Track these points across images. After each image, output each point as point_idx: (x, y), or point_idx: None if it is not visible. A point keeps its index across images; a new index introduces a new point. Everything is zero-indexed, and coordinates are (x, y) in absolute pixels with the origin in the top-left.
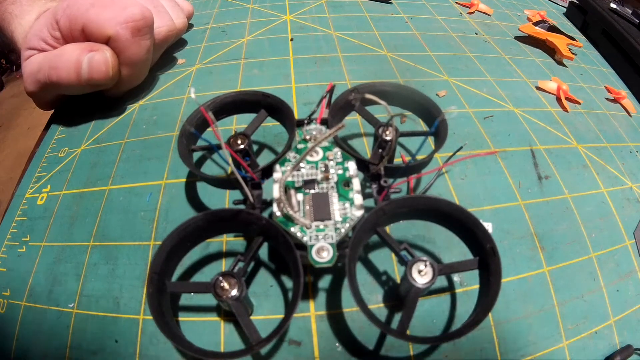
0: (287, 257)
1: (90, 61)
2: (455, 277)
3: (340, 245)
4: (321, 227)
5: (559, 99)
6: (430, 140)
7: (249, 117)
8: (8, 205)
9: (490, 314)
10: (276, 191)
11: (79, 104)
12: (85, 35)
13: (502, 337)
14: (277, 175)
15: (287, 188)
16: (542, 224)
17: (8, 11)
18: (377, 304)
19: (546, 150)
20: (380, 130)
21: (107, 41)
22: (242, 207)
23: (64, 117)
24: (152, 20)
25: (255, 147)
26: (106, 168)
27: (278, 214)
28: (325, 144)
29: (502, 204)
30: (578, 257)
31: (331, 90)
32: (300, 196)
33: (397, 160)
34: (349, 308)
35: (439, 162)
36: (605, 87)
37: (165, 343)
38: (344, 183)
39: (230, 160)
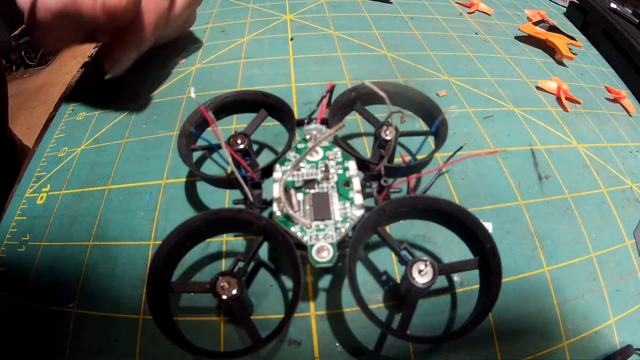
0: (287, 256)
1: None
2: (456, 277)
3: (340, 245)
4: (321, 226)
5: (559, 99)
6: (431, 139)
7: (249, 116)
8: (7, 205)
9: (490, 314)
10: (276, 191)
11: (78, 104)
12: None
13: (502, 337)
14: (277, 174)
15: (287, 188)
16: (543, 224)
17: None
18: (377, 303)
19: (546, 150)
20: (380, 130)
21: None
22: (242, 206)
23: (63, 116)
24: None
25: (255, 147)
26: (106, 168)
27: (278, 213)
28: (325, 143)
29: (503, 203)
30: (578, 256)
31: (331, 90)
32: (300, 196)
33: (397, 160)
34: (349, 308)
35: (439, 161)
36: (605, 86)
37: (165, 343)
38: (344, 183)
39: (230, 160)
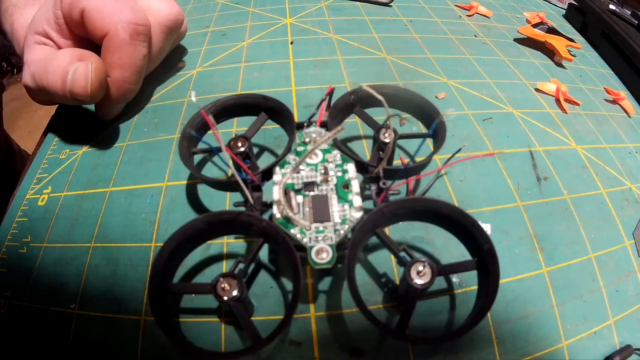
0: (287, 258)
1: (75, 72)
2: (454, 278)
3: (339, 247)
4: (320, 228)
5: (558, 101)
6: (430, 142)
7: (250, 119)
8: (9, 206)
9: (489, 315)
10: (276, 193)
11: (79, 107)
12: (83, 23)
13: (501, 338)
14: (277, 177)
15: (287, 190)
16: (541, 225)
17: (12, 4)
18: (376, 304)
19: (545, 152)
20: (379, 133)
21: (104, 36)
22: (242, 209)
23: (65, 118)
24: (150, 29)
25: (255, 150)
26: (107, 170)
27: (278, 215)
28: (324, 146)
29: (501, 205)
30: (577, 257)
31: (331, 93)
32: (300, 198)
33: (397, 162)
34: (349, 309)
35: (438, 163)
36: (604, 88)
37: (166, 344)
38: (344, 185)
39: (230, 163)
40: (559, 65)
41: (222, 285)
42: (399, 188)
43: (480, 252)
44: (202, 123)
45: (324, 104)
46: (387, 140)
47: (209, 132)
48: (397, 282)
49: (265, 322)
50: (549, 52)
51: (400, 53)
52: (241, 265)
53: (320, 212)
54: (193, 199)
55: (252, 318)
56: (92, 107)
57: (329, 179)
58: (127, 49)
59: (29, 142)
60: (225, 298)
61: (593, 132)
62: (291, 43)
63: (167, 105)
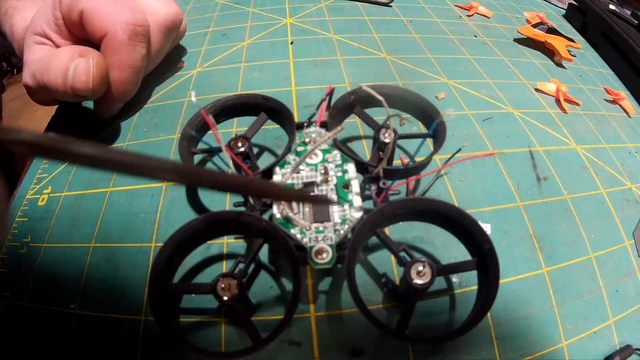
0: (287, 258)
1: (76, 68)
2: (454, 278)
3: (339, 247)
4: (320, 228)
5: (557, 101)
6: (430, 142)
7: (250, 119)
8: (9, 206)
9: (489, 315)
10: None
11: (79, 106)
12: (82, 24)
13: (501, 338)
14: (277, 177)
15: None
16: (541, 225)
17: (12, 6)
18: (376, 304)
19: (545, 152)
20: (379, 133)
21: (103, 37)
22: (242, 209)
23: (65, 118)
24: (149, 30)
25: (255, 150)
26: None
27: (278, 215)
28: (324, 146)
29: (501, 205)
30: (577, 257)
31: (331, 93)
32: None
33: (397, 162)
34: (349, 309)
35: (438, 163)
36: (604, 88)
37: (166, 344)
38: (344, 185)
39: (230, 163)
40: (559, 65)
41: (222, 285)
42: (399, 188)
43: (480, 252)
44: (202, 123)
45: (324, 104)
46: (387, 140)
47: (209, 132)
48: (397, 282)
49: (265, 322)
50: (549, 52)
51: (400, 53)
52: (241, 265)
53: (320, 212)
54: (193, 199)
55: (252, 318)
56: (92, 106)
57: (329, 179)
58: (126, 50)
59: None
60: (225, 298)
61: (593, 132)
62: (291, 43)
63: (167, 105)
